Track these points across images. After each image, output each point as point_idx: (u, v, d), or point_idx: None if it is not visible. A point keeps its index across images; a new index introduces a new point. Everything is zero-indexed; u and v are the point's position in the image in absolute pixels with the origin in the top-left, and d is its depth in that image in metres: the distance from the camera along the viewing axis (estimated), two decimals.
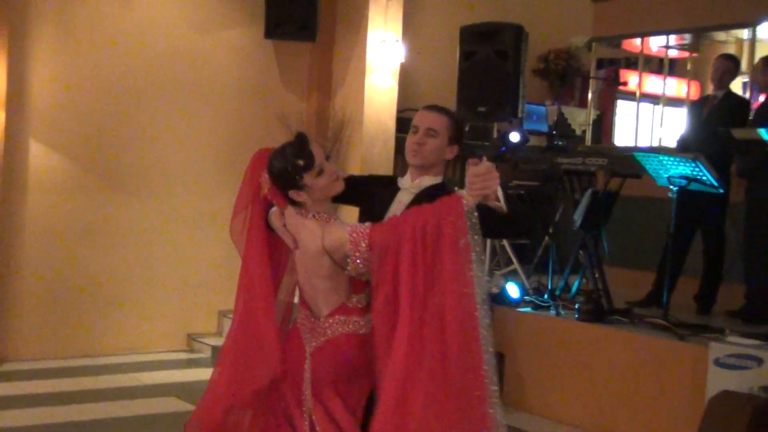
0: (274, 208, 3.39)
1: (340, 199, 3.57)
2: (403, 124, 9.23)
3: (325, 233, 3.22)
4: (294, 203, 3.31)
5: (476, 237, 3.02)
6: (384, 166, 8.76)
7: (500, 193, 3.23)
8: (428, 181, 3.51)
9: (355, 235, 3.15)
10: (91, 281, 8.07)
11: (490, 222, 3.17)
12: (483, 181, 3.04)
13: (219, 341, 7.97)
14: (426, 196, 3.45)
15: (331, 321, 3.29)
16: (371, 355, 3.24)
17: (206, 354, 8.19)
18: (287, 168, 3.25)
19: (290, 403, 3.34)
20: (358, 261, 3.15)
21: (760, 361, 5.25)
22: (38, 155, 7.83)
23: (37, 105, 7.82)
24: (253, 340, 3.36)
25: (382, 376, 3.11)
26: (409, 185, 3.52)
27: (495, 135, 8.29)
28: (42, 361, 7.73)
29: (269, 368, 3.30)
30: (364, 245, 3.13)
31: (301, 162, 3.24)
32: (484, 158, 3.13)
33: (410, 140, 3.52)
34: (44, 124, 7.86)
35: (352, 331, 3.31)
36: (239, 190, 3.60)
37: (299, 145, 3.30)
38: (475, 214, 3.02)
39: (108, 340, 8.16)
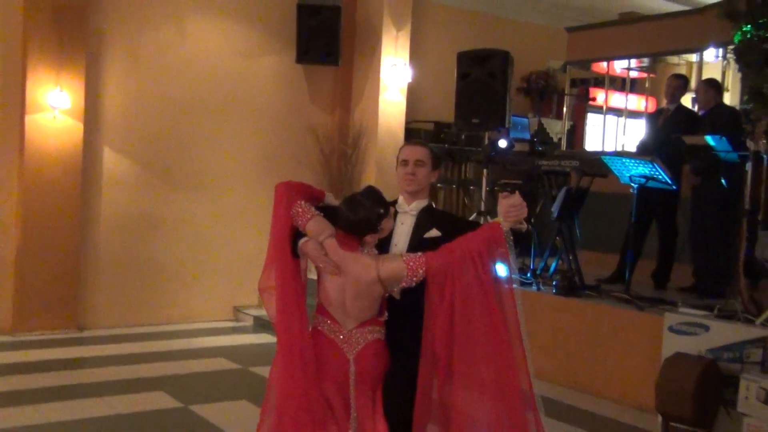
0: (305, 239, 3.25)
1: None
2: (410, 133, 9.28)
3: (381, 265, 3.19)
4: (361, 244, 3.26)
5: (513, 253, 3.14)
6: (394, 168, 8.74)
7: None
8: (422, 203, 3.53)
9: (412, 264, 3.15)
10: (154, 262, 8.12)
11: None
12: (517, 211, 3.14)
13: (260, 312, 8.02)
14: (426, 215, 3.50)
15: (361, 331, 3.26)
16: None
17: (249, 323, 8.24)
18: (371, 217, 3.20)
19: (335, 404, 3.26)
20: (408, 284, 3.17)
21: (707, 328, 5.25)
22: (110, 159, 7.89)
23: (110, 118, 7.87)
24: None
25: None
26: (408, 208, 3.51)
27: (486, 142, 8.30)
28: (115, 328, 7.80)
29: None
30: (421, 272, 3.15)
31: (381, 210, 3.25)
32: (517, 192, 3.21)
33: (403, 171, 3.50)
34: (115, 133, 7.91)
35: (377, 338, 3.31)
36: (273, 238, 3.34)
37: (377, 197, 3.27)
38: (511, 237, 3.14)
39: (168, 311, 8.22)
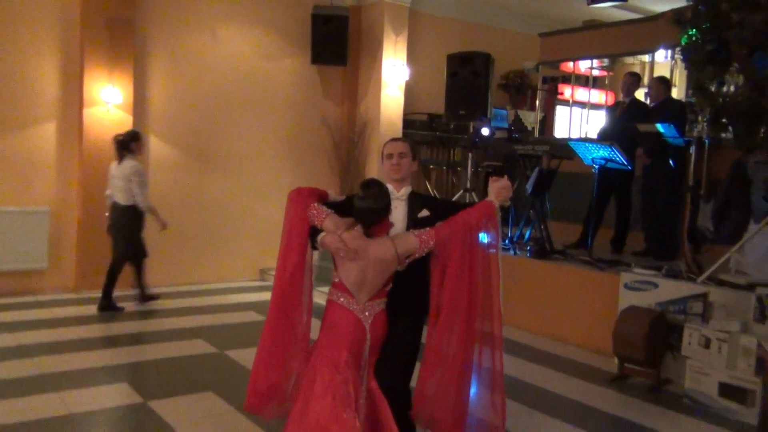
0: (324, 234, 3.19)
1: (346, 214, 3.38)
2: (407, 123, 9.22)
3: (397, 243, 3.19)
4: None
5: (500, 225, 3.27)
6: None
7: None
8: (408, 189, 3.50)
9: (424, 237, 3.20)
10: (192, 232, 8.11)
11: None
12: (507, 192, 3.29)
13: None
14: (415, 198, 3.49)
15: (372, 303, 3.24)
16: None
17: (273, 282, 8.25)
18: (389, 203, 3.21)
19: (351, 365, 3.18)
20: (420, 254, 3.21)
21: (656, 285, 5.25)
22: (156, 145, 7.85)
23: (155, 111, 7.82)
24: (287, 346, 3.25)
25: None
26: (398, 195, 3.47)
27: (471, 130, 8.26)
28: (161, 287, 7.78)
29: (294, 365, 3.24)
30: (432, 243, 3.20)
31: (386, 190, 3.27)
32: (506, 176, 3.30)
33: (389, 163, 3.45)
34: (159, 123, 7.87)
35: (382, 308, 3.30)
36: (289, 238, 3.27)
37: (381, 183, 3.26)
38: (500, 212, 3.28)
39: (204, 272, 8.22)
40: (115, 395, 4.40)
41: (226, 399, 4.39)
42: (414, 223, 3.39)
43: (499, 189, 3.28)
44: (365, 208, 3.15)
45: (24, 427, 3.83)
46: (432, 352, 3.26)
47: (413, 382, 3.33)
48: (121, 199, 6.44)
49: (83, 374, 4.76)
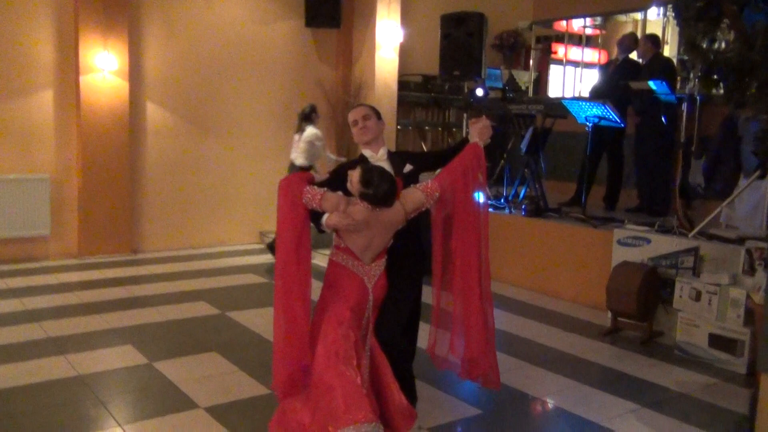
0: (327, 216, 3.14)
1: (348, 193, 3.31)
2: (402, 85, 9.15)
3: (405, 203, 3.21)
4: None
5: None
6: (389, 115, 8.67)
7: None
8: (385, 149, 3.49)
9: (429, 190, 3.25)
10: (191, 196, 8.11)
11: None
12: (489, 130, 3.42)
13: None
14: (394, 156, 3.52)
15: (375, 264, 3.27)
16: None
17: None
18: (394, 182, 3.18)
19: (353, 324, 3.21)
20: (427, 206, 3.27)
21: (648, 241, 5.28)
22: (152, 111, 7.79)
23: (150, 77, 7.75)
24: (292, 338, 3.16)
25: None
26: (379, 156, 3.46)
27: (465, 91, 8.21)
28: (162, 251, 7.84)
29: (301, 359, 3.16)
30: (437, 194, 3.26)
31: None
32: (484, 116, 3.35)
33: (357, 129, 3.47)
34: (155, 90, 7.80)
35: (384, 269, 3.33)
36: (285, 216, 3.20)
37: (378, 168, 3.20)
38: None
39: (205, 236, 8.24)
40: (120, 357, 4.45)
41: (230, 359, 4.44)
42: (403, 179, 3.40)
43: (481, 129, 3.41)
44: (377, 199, 3.10)
45: (34, 388, 3.89)
46: (457, 294, 3.35)
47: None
48: (299, 160, 7.09)
49: (89, 337, 4.81)
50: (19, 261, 7.03)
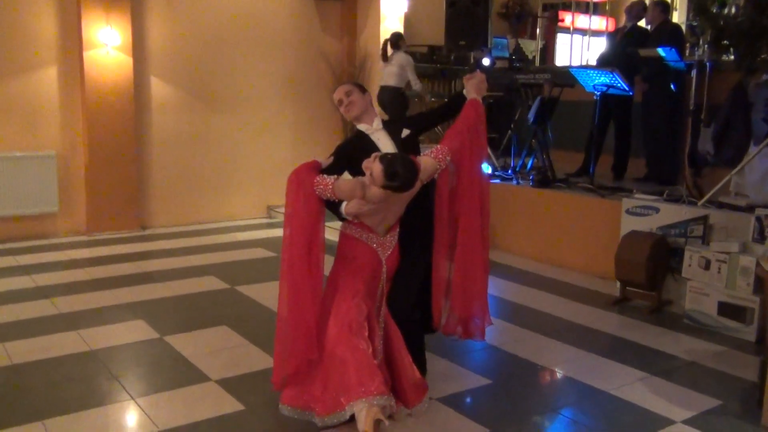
0: (345, 204, 3.09)
1: (353, 172, 3.31)
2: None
3: (420, 174, 3.18)
4: None
5: None
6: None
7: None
8: (378, 119, 3.49)
9: (440, 155, 3.29)
10: (199, 171, 8.11)
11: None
12: (484, 84, 3.50)
13: None
14: (389, 124, 3.52)
15: (389, 235, 3.30)
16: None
17: (280, 219, 8.23)
18: (415, 168, 3.12)
19: (366, 296, 3.25)
20: (440, 171, 3.30)
21: (657, 210, 5.26)
22: (157, 86, 7.76)
23: (154, 51, 7.70)
24: (299, 329, 3.13)
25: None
26: (374, 127, 3.45)
27: (471, 60, 8.12)
28: (170, 227, 7.87)
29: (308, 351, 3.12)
30: (448, 158, 3.31)
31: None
32: (478, 71, 3.38)
33: (342, 108, 3.48)
34: (160, 64, 7.76)
35: (397, 240, 3.36)
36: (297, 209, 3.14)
37: (404, 158, 3.12)
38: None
39: (212, 211, 8.26)
40: (132, 331, 4.49)
41: (240, 332, 4.47)
42: (403, 145, 3.39)
43: (477, 84, 3.48)
44: (404, 188, 3.06)
45: (49, 362, 3.93)
46: (459, 261, 3.43)
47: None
48: (392, 83, 7.95)
49: (100, 312, 4.85)
50: (29, 238, 7.07)
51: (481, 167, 3.46)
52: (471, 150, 3.38)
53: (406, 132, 3.48)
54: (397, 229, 3.34)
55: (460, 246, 3.43)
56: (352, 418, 3.02)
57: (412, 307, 3.42)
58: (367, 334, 3.16)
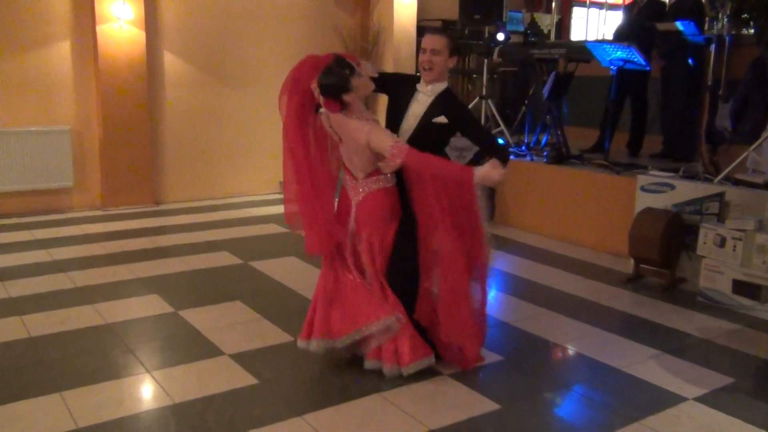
0: (321, 110, 3.36)
1: (376, 89, 3.47)
2: (420, 31, 8.97)
3: (371, 134, 3.23)
4: (344, 106, 3.28)
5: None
6: (408, 61, 8.58)
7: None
8: (439, 87, 3.43)
9: (396, 151, 3.19)
10: (212, 147, 8.12)
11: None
12: (490, 181, 3.21)
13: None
14: (440, 100, 3.43)
15: (368, 180, 3.36)
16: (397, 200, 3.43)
17: None
18: (341, 79, 3.22)
19: (342, 238, 3.46)
20: (388, 168, 3.27)
21: (672, 186, 5.21)
22: (170, 61, 7.74)
23: (167, 26, 7.67)
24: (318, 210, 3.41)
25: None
26: (425, 90, 3.43)
27: (486, 35, 8.04)
28: (184, 202, 7.90)
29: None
30: (399, 161, 3.20)
31: (347, 71, 3.24)
32: (500, 164, 3.20)
33: (422, 58, 3.45)
34: (173, 39, 7.73)
35: (382, 186, 3.38)
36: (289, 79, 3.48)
37: (341, 61, 3.27)
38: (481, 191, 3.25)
39: (225, 187, 8.27)
40: (147, 306, 4.53)
41: (253, 307, 4.50)
42: (426, 126, 3.35)
43: (485, 174, 3.18)
44: (319, 82, 3.28)
45: (65, 335, 3.99)
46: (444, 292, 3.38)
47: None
48: None
49: (116, 287, 4.90)
50: (44, 212, 7.13)
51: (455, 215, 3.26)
52: (436, 194, 3.20)
53: (442, 119, 3.40)
54: (376, 178, 3.37)
55: (443, 265, 3.34)
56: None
57: (401, 283, 3.39)
58: (351, 262, 3.43)
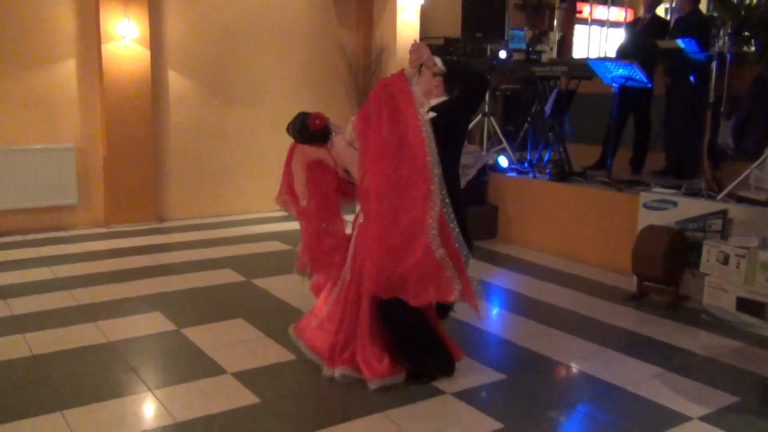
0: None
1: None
2: None
3: (344, 137, 3.70)
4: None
5: (418, 90, 3.31)
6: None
7: (439, 62, 3.31)
8: (437, 101, 3.47)
9: (353, 118, 3.56)
10: (215, 164, 8.14)
11: (457, 72, 3.39)
12: (415, 54, 3.31)
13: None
14: (437, 107, 3.51)
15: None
16: None
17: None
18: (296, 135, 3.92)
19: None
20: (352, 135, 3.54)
21: (675, 204, 5.21)
22: (175, 79, 7.79)
23: (171, 44, 7.73)
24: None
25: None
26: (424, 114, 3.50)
27: (488, 53, 8.08)
28: (187, 219, 7.91)
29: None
30: (355, 124, 3.48)
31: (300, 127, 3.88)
32: (414, 40, 3.30)
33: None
34: (177, 57, 7.78)
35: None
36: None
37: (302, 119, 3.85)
38: (413, 81, 3.33)
39: (229, 204, 8.29)
40: (149, 323, 4.53)
41: (255, 325, 4.49)
42: (434, 125, 3.35)
43: (409, 54, 3.44)
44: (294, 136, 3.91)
45: (68, 353, 3.98)
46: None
47: None
48: None
49: (118, 304, 4.89)
50: (48, 230, 7.15)
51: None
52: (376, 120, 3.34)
53: (430, 114, 3.42)
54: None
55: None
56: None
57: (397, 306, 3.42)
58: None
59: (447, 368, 3.63)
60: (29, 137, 7.05)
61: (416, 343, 3.57)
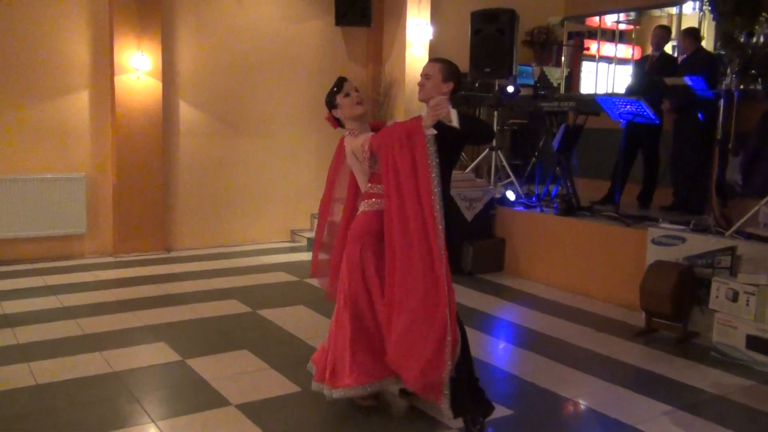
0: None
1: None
2: None
3: (353, 142, 3.55)
4: (341, 124, 3.67)
5: (432, 140, 3.23)
6: (420, 112, 8.64)
7: (455, 118, 3.26)
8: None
9: (364, 142, 3.46)
10: (224, 195, 8.18)
11: (467, 130, 3.34)
12: (436, 109, 3.20)
13: (312, 234, 8.05)
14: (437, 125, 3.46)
15: (362, 202, 3.60)
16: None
17: (303, 243, 8.30)
18: (328, 95, 3.65)
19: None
20: (365, 157, 3.46)
21: (683, 240, 5.19)
22: (185, 111, 7.88)
23: (183, 77, 7.83)
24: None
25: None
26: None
27: (496, 88, 8.15)
28: (195, 249, 7.93)
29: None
30: (367, 147, 3.42)
31: (335, 88, 3.63)
32: (437, 97, 3.25)
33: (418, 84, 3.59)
34: (188, 89, 7.88)
35: (364, 210, 3.55)
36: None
37: (336, 81, 3.68)
38: (431, 130, 3.22)
39: (237, 235, 8.30)
40: (154, 354, 4.51)
41: (261, 356, 4.47)
42: (436, 138, 3.33)
43: (429, 107, 3.30)
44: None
45: (72, 383, 3.96)
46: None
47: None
48: None
49: (124, 334, 4.89)
50: (57, 258, 7.17)
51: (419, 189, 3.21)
52: (390, 152, 3.27)
53: (432, 131, 3.40)
54: (366, 201, 3.55)
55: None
56: None
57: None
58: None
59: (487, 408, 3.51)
60: (41, 166, 7.12)
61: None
